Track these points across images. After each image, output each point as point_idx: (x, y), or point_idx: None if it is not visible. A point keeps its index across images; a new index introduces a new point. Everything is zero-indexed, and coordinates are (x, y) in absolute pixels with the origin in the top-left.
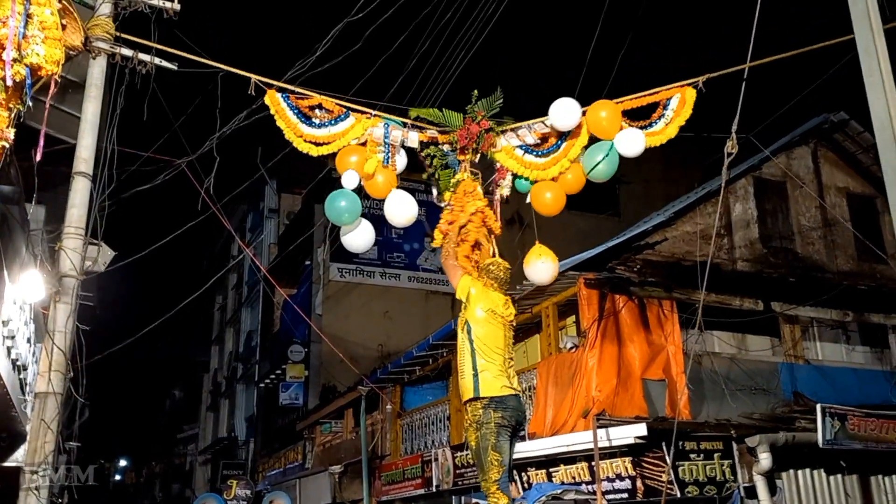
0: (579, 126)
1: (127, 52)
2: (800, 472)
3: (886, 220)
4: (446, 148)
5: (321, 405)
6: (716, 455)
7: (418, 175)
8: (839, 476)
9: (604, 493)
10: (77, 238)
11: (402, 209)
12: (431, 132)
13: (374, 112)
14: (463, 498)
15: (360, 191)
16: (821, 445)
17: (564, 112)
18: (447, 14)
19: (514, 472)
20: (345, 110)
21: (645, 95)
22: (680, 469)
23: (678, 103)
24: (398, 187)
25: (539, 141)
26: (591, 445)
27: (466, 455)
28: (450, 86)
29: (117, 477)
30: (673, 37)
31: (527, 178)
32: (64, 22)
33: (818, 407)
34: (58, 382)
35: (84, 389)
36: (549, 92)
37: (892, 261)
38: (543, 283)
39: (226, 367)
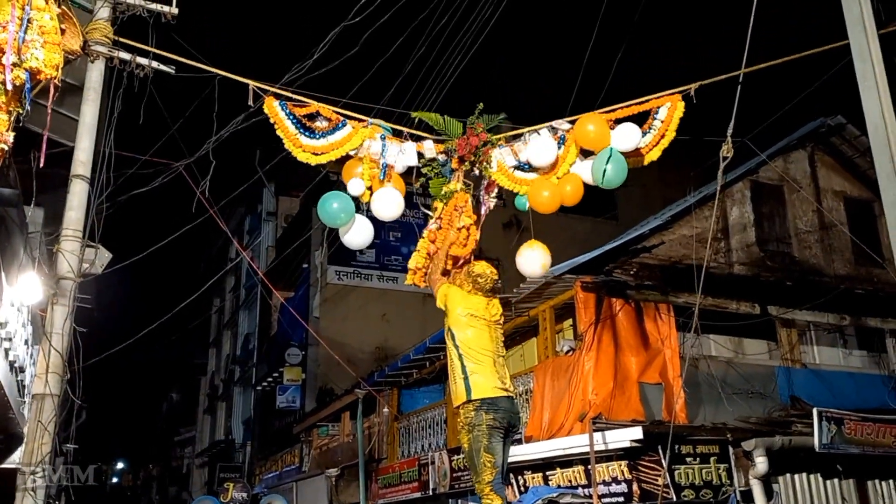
0: (568, 144)
1: (125, 55)
2: (796, 476)
3: (883, 223)
4: (441, 157)
5: (318, 408)
6: (712, 459)
7: (409, 178)
8: (836, 480)
9: (600, 497)
10: (75, 240)
11: (389, 204)
12: (428, 143)
13: (370, 120)
14: (459, 501)
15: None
16: (817, 449)
17: (541, 150)
18: (444, 18)
19: (511, 475)
20: (342, 119)
21: (635, 104)
22: (676, 473)
23: (667, 113)
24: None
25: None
26: (588, 449)
27: (463, 458)
28: (448, 88)
29: (114, 479)
30: (672, 35)
31: (518, 193)
32: (63, 26)
33: (815, 411)
34: (55, 384)
35: (81, 392)
36: (549, 91)
37: (890, 265)
38: (536, 275)
39: (223, 370)
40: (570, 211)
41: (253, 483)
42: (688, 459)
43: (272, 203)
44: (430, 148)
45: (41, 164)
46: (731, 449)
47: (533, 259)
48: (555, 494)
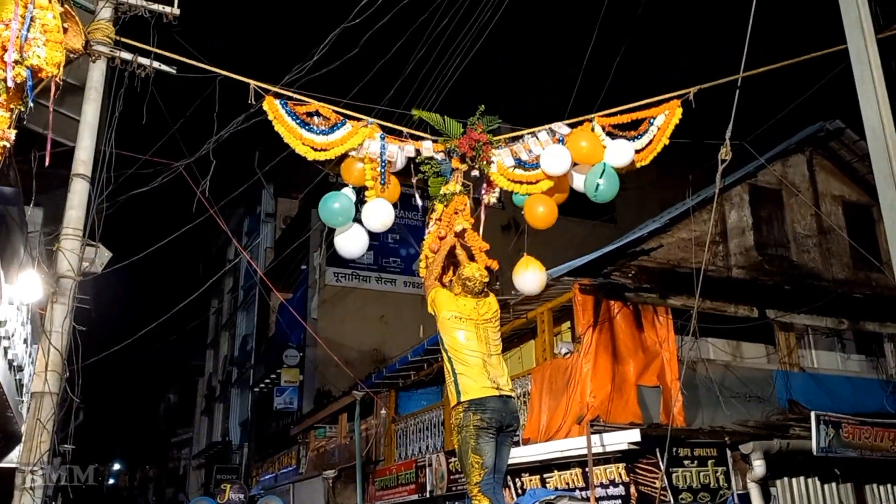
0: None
1: (126, 55)
2: (794, 479)
3: (882, 228)
4: (440, 157)
5: (316, 410)
6: (710, 462)
7: (408, 178)
8: (833, 484)
9: (598, 499)
10: (75, 239)
11: (376, 216)
12: (427, 143)
13: (370, 119)
14: (457, 503)
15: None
16: (815, 453)
17: (557, 159)
18: (445, 18)
19: (508, 477)
20: (342, 118)
21: (634, 109)
22: (674, 475)
23: (664, 120)
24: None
25: (529, 154)
26: (586, 451)
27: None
28: (449, 87)
29: (111, 481)
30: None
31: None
32: (65, 25)
33: (813, 415)
34: (54, 382)
35: (79, 391)
36: (552, 89)
37: (888, 269)
38: (533, 293)
39: (221, 371)
40: (568, 214)
41: (250, 485)
42: (685, 462)
43: (271, 204)
44: (428, 148)
45: (47, 163)
46: (728, 452)
47: (530, 280)
48: (552, 497)
